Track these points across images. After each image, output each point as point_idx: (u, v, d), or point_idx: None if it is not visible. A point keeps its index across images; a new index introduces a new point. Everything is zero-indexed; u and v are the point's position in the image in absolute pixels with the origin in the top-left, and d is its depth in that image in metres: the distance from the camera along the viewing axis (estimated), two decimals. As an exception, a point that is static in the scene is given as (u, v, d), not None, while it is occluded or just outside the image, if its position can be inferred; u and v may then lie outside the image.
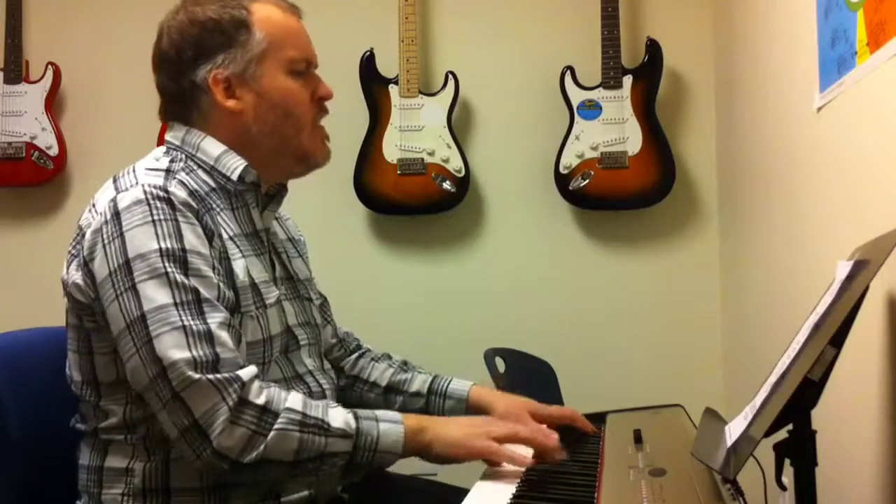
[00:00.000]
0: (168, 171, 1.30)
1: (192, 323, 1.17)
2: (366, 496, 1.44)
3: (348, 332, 1.67)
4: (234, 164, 1.34)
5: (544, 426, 1.26)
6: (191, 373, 1.14)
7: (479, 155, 2.74)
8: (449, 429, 1.26)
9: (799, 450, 0.97)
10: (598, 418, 1.53)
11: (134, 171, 1.30)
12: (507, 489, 1.14)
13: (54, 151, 2.77)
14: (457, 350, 2.59)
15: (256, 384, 1.18)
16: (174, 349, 1.15)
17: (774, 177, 2.01)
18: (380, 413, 1.25)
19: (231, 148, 1.35)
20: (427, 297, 2.76)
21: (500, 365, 2.06)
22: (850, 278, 1.06)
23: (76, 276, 1.25)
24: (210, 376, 1.15)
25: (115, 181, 1.29)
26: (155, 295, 1.18)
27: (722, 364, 2.67)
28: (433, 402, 1.55)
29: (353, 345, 1.66)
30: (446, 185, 2.63)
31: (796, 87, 1.79)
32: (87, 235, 1.24)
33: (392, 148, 2.63)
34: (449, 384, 1.56)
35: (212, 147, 1.35)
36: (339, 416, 1.21)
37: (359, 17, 2.77)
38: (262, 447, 1.15)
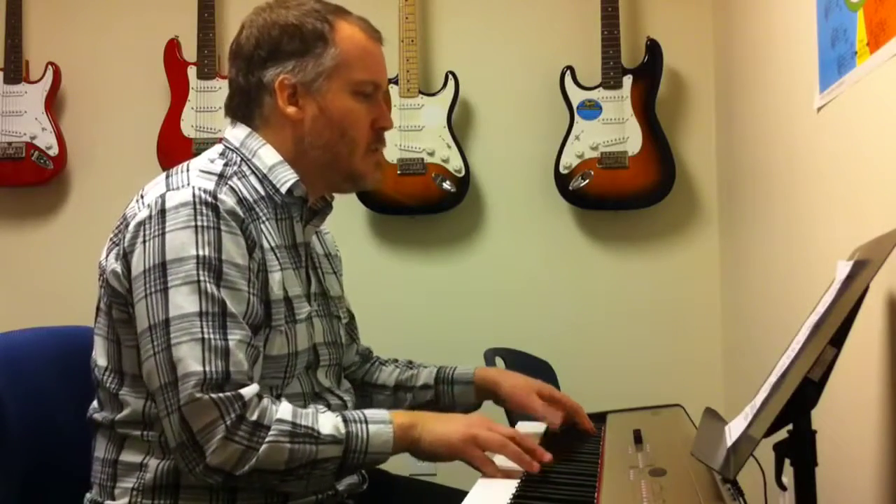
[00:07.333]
0: (221, 175, 1.30)
1: (212, 337, 1.18)
2: (366, 496, 1.44)
3: (368, 348, 1.68)
4: (286, 178, 1.35)
5: (540, 447, 1.24)
6: (197, 392, 1.15)
7: (479, 155, 2.74)
8: (438, 426, 1.27)
9: (799, 450, 0.97)
10: (598, 418, 1.53)
11: (188, 170, 1.30)
12: (507, 489, 1.14)
13: (54, 151, 2.77)
14: (457, 350, 2.58)
15: (255, 400, 1.19)
16: (190, 360, 1.16)
17: (774, 177, 2.01)
18: (369, 414, 1.26)
19: (284, 156, 1.36)
20: (427, 297, 2.76)
21: (501, 365, 2.07)
22: (850, 278, 1.06)
23: (115, 265, 1.26)
24: (213, 395, 1.16)
25: (167, 177, 1.29)
26: (183, 302, 1.18)
27: (722, 364, 2.67)
28: (442, 390, 1.58)
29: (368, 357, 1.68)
30: (446, 185, 2.63)
31: (796, 87, 1.79)
32: (131, 226, 1.25)
33: (392, 148, 2.62)
34: (454, 371, 1.59)
35: (268, 156, 1.35)
36: (328, 423, 1.22)
37: (359, 17, 2.77)
38: (253, 460, 1.17)
